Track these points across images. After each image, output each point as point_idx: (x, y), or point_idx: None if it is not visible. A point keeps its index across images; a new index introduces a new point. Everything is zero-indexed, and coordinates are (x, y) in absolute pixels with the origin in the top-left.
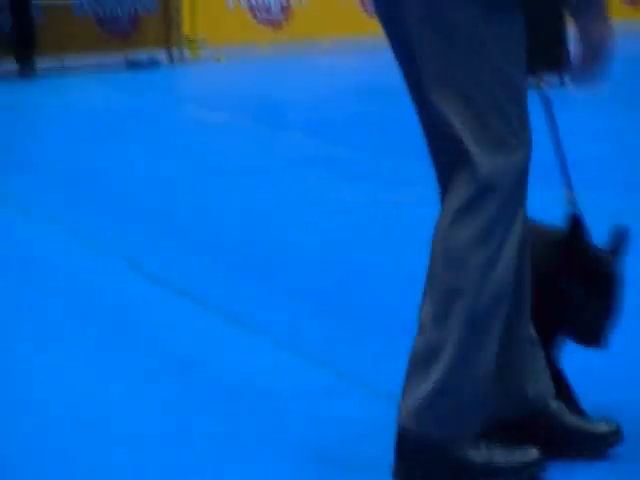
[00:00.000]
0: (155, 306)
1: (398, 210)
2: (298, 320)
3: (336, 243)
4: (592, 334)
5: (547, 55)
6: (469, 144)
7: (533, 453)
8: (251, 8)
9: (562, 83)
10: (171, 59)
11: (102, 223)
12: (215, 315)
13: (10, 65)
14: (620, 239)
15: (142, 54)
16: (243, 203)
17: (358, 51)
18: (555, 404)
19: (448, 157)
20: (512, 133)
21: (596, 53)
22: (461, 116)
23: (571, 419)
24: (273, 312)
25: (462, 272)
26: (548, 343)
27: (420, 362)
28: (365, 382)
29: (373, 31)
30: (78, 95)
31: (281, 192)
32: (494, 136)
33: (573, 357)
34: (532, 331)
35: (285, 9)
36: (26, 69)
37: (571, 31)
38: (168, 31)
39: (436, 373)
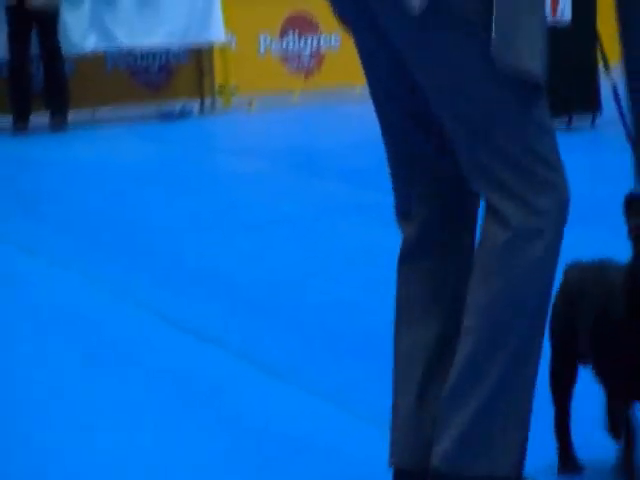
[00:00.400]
0: (185, 353)
1: None
2: (345, 377)
3: (376, 288)
4: None
5: (581, 96)
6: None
7: None
8: (282, 56)
9: (594, 123)
10: (203, 108)
11: (134, 276)
12: (238, 359)
13: (42, 118)
14: None
15: (174, 104)
16: (277, 253)
17: None
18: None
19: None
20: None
21: None
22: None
23: None
24: (308, 362)
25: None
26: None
27: (457, 396)
28: None
29: None
30: (110, 147)
31: (316, 240)
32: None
33: None
34: None
35: (316, 56)
36: (58, 122)
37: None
38: (200, 81)
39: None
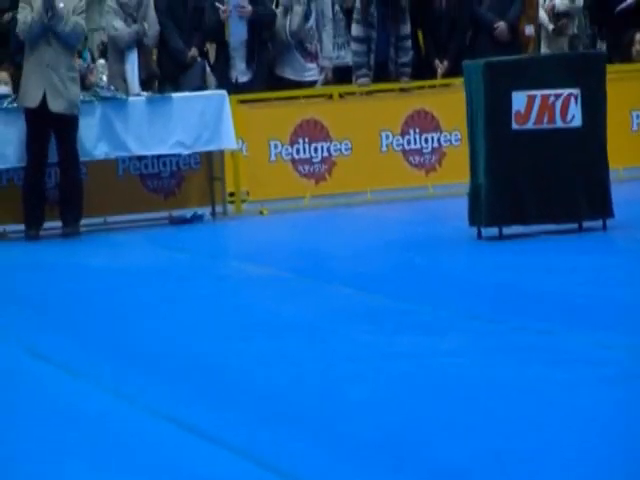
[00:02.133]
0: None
1: (444, 361)
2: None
3: (385, 394)
4: None
5: (591, 201)
6: None
7: None
8: (293, 161)
9: (605, 228)
10: (215, 214)
11: (146, 381)
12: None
13: (53, 223)
14: None
15: (186, 210)
16: (289, 360)
17: (400, 203)
18: None
19: None
20: None
21: None
22: None
23: None
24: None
25: None
26: None
27: None
28: None
29: (415, 183)
30: (122, 253)
31: (327, 346)
32: None
33: None
34: None
35: (327, 162)
36: (71, 230)
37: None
38: (211, 187)
39: None
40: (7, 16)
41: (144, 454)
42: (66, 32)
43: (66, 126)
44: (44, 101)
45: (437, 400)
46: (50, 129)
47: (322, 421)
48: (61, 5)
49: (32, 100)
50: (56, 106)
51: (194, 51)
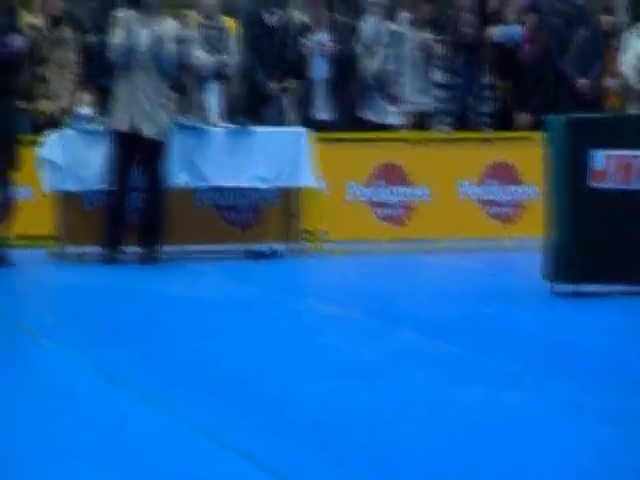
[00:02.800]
0: None
1: (505, 415)
2: None
3: (446, 440)
4: None
5: None
6: None
7: None
8: (370, 204)
9: None
10: (291, 251)
11: (223, 417)
12: None
13: (131, 248)
14: None
15: (261, 245)
16: (350, 398)
17: (476, 253)
18: None
19: None
20: None
21: None
22: None
23: None
24: None
25: None
26: None
27: None
28: None
29: (492, 234)
30: (197, 282)
31: (389, 389)
32: None
33: None
34: None
35: (404, 206)
36: (150, 255)
37: None
38: (288, 223)
39: None
40: (91, 37)
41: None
42: (162, 58)
43: (155, 151)
44: (134, 125)
45: (493, 451)
46: (138, 153)
47: (378, 460)
48: (158, 32)
49: (123, 123)
50: (147, 130)
51: (275, 85)
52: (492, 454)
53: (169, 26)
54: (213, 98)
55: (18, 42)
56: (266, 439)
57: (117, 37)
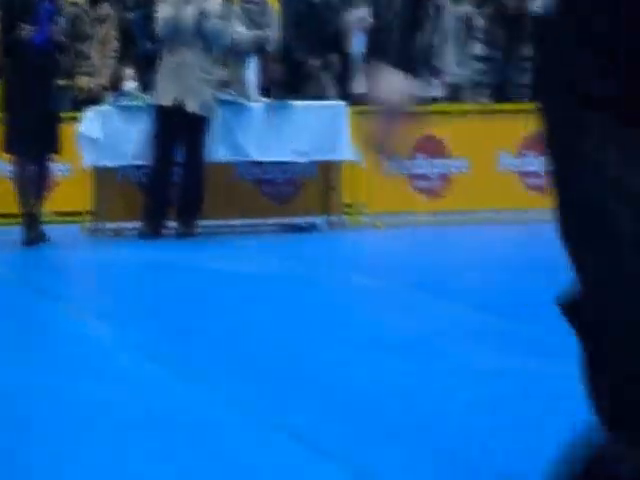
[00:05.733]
0: None
1: (550, 383)
2: None
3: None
4: None
5: None
6: None
7: None
8: (410, 176)
9: None
10: (330, 224)
11: (260, 390)
12: None
13: (169, 223)
14: None
15: (300, 218)
16: (392, 372)
17: (519, 225)
18: None
19: None
20: None
21: None
22: None
23: None
24: None
25: None
26: None
27: None
28: None
29: (533, 206)
30: (235, 257)
31: (431, 361)
32: None
33: None
34: None
35: (444, 178)
36: (188, 229)
37: None
38: (327, 197)
39: None
40: (134, 14)
41: (256, 465)
42: (206, 33)
43: (198, 126)
44: (178, 100)
45: (538, 422)
46: (181, 129)
47: (423, 435)
48: (202, 7)
49: (167, 98)
50: (191, 106)
51: (315, 61)
52: (553, 426)
53: (213, 1)
54: (253, 73)
55: (57, 35)
56: (317, 419)
57: (163, 12)
